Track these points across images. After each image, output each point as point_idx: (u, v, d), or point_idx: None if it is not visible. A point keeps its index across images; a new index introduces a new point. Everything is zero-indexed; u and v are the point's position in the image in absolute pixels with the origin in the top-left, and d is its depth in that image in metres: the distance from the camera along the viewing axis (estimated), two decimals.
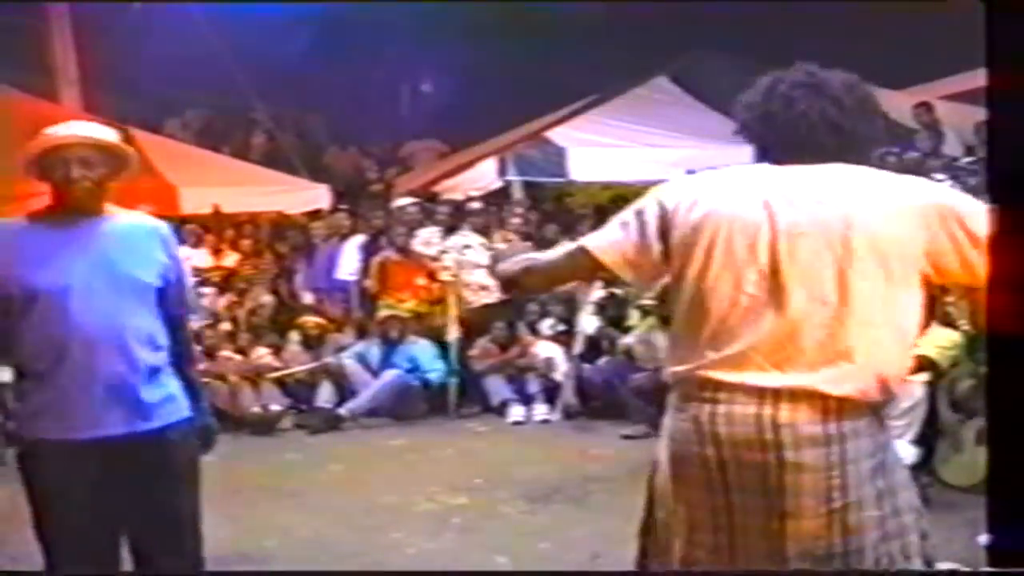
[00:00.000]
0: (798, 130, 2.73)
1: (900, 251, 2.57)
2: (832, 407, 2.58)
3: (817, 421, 2.57)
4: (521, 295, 2.53)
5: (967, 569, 3.74)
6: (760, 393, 2.58)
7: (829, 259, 2.58)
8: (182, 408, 3.79)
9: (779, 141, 2.78)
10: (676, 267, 2.74)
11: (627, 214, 2.84)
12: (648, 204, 2.81)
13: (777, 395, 2.57)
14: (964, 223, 2.56)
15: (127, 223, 3.78)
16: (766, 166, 2.79)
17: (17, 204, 5.93)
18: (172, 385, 3.78)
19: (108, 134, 3.73)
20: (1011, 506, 2.50)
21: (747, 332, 2.61)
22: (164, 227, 3.90)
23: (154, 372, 3.69)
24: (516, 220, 11.71)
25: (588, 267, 2.88)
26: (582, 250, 2.87)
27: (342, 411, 9.84)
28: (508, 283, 3.07)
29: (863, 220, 2.58)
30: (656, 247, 2.77)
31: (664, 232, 2.76)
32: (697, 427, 2.65)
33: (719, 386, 2.63)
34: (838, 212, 2.59)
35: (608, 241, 2.84)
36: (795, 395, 2.57)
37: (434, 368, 10.26)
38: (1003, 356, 2.56)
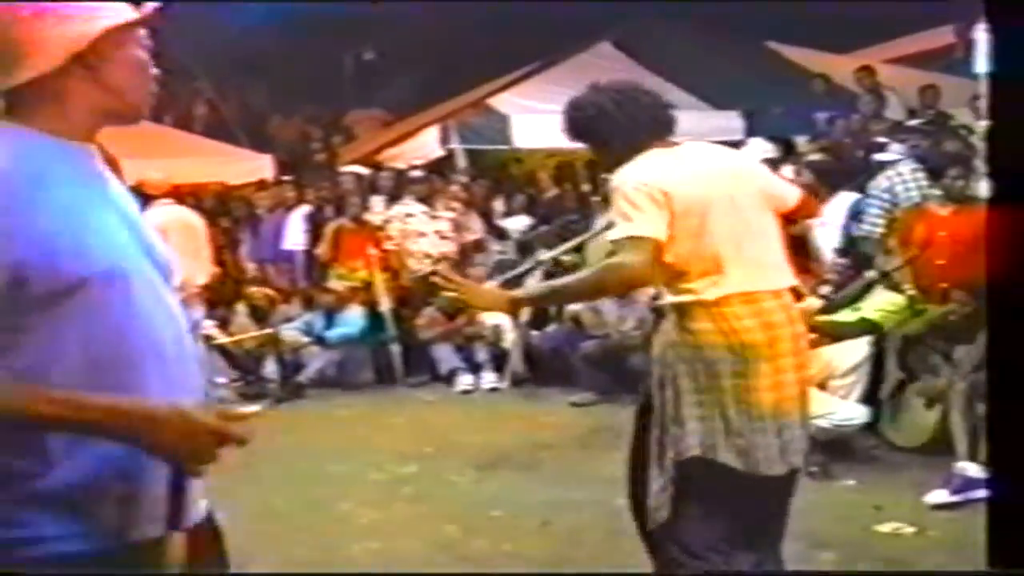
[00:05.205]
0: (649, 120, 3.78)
1: (765, 194, 3.77)
2: (792, 295, 3.76)
3: (793, 304, 3.75)
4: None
5: (972, 570, 3.95)
6: (773, 293, 3.66)
7: (752, 203, 3.70)
8: None
9: (633, 131, 3.74)
10: (683, 229, 3.55)
11: (638, 201, 3.53)
12: (647, 190, 3.54)
13: (779, 292, 3.68)
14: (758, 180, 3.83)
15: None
16: (676, 147, 3.76)
17: None
18: None
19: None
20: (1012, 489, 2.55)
21: (746, 257, 3.62)
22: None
23: None
24: (456, 188, 11.69)
25: (653, 251, 3.53)
26: (642, 239, 3.52)
27: (302, 379, 9.90)
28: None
29: (749, 175, 3.82)
30: (667, 219, 3.54)
31: (668, 207, 3.54)
32: (758, 319, 3.61)
33: (752, 294, 3.62)
34: (738, 172, 3.79)
35: (645, 224, 3.52)
36: (788, 290, 3.72)
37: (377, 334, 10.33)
38: (1004, 350, 2.67)
